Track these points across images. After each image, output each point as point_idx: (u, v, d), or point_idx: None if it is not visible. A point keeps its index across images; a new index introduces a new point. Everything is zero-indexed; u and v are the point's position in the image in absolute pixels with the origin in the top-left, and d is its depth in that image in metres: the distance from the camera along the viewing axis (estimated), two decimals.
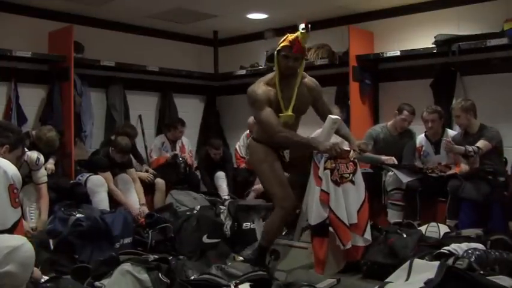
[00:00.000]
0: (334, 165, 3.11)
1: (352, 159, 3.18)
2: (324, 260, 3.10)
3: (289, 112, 3.25)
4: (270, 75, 3.32)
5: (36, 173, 4.26)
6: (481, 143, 4.29)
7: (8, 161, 2.69)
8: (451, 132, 4.79)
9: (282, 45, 3.23)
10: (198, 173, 6.22)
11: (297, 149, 3.35)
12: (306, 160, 3.29)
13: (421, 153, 4.83)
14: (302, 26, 3.14)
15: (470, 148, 4.21)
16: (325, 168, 3.09)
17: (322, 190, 3.07)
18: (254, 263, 3.34)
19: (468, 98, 4.68)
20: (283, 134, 3.16)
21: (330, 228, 3.09)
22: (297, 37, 3.17)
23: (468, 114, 4.43)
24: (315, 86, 3.45)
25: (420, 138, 4.92)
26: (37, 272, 2.91)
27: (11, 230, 2.56)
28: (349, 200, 3.15)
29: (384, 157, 4.79)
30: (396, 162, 4.76)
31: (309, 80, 3.43)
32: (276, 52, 3.27)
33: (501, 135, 4.44)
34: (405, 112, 4.82)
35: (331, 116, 3.26)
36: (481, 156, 4.33)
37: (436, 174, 4.63)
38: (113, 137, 5.43)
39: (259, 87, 3.25)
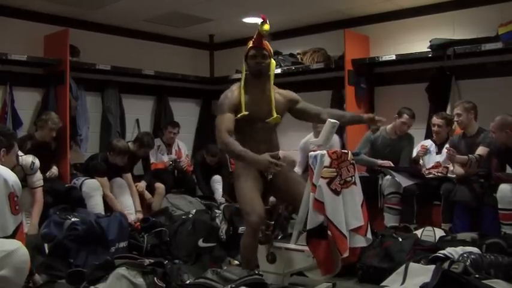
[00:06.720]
0: (334, 173, 3.03)
1: (351, 161, 3.16)
2: (323, 261, 3.05)
3: (274, 115, 3.26)
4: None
5: (32, 177, 4.24)
6: (481, 150, 4.28)
7: (8, 169, 2.71)
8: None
9: (247, 48, 3.29)
10: (194, 176, 6.20)
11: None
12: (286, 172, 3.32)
13: (425, 150, 4.86)
14: (260, 21, 3.19)
15: (473, 158, 4.19)
16: (321, 176, 3.00)
17: (315, 199, 3.00)
18: None
19: (470, 101, 4.64)
20: (225, 140, 3.14)
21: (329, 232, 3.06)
22: (257, 32, 3.21)
23: (469, 114, 4.44)
24: (289, 93, 3.47)
25: (427, 141, 4.99)
26: (37, 276, 2.92)
27: (12, 237, 2.57)
28: (356, 201, 3.11)
29: (380, 161, 4.81)
30: (393, 165, 4.76)
31: (282, 91, 3.44)
32: (244, 59, 3.32)
33: None
34: (405, 116, 4.82)
35: (330, 120, 3.27)
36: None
37: (433, 175, 4.65)
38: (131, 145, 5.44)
39: (232, 92, 3.28)
